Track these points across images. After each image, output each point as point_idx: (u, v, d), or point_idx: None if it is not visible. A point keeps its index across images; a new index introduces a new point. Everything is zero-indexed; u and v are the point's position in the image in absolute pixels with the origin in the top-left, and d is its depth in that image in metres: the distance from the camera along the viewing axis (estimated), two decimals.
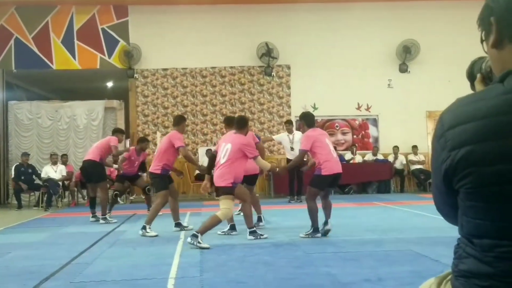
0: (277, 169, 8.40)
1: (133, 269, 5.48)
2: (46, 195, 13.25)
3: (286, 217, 9.75)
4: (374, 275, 4.86)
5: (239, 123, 7.41)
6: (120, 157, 10.51)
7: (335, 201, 12.76)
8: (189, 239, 6.61)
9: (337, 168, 7.26)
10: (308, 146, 7.17)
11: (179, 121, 8.50)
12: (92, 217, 10.09)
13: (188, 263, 5.67)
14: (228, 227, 7.75)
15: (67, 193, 14.46)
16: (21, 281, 5.08)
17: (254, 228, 7.31)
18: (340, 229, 7.78)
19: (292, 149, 12.30)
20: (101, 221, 9.74)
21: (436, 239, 6.71)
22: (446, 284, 1.41)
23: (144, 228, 7.90)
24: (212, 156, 7.75)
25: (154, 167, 8.15)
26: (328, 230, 7.33)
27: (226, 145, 7.03)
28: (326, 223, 7.41)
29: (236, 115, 15.39)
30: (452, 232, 1.47)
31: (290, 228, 8.14)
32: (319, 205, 7.38)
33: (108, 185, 11.00)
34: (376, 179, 15.34)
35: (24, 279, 5.15)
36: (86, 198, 13.62)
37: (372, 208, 11.39)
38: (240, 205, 10.50)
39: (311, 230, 7.21)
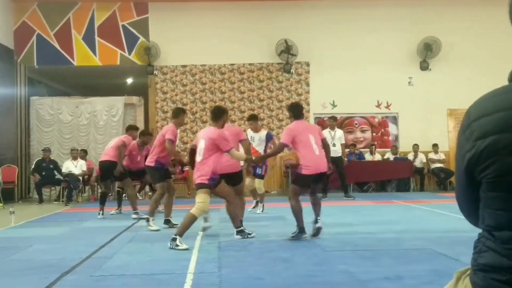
0: (254, 158, 7.58)
1: (152, 264, 5.53)
2: (66, 190, 13.38)
3: (304, 214, 9.69)
4: (392, 273, 4.84)
5: (213, 114, 6.98)
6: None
7: (353, 199, 12.75)
8: (168, 244, 6.36)
9: (320, 168, 6.79)
10: (288, 140, 6.76)
11: (178, 114, 8.34)
12: (102, 213, 9.75)
13: (206, 259, 5.70)
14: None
15: (87, 187, 14.63)
16: (41, 274, 5.15)
17: (241, 228, 7.07)
18: (359, 227, 7.76)
19: (334, 145, 12.09)
20: (133, 215, 9.45)
21: (456, 238, 6.65)
22: (464, 279, 1.41)
23: (147, 220, 7.98)
24: (192, 151, 7.22)
25: (149, 160, 8.24)
26: (319, 228, 7.01)
27: (201, 141, 6.71)
28: (316, 221, 7.05)
29: (255, 112, 15.50)
30: (472, 231, 1.46)
31: (308, 226, 8.11)
32: (306, 204, 7.20)
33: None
34: (396, 177, 15.21)
35: (44, 272, 5.22)
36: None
37: (391, 206, 11.31)
38: (254, 202, 10.54)
39: (297, 231, 6.89)
